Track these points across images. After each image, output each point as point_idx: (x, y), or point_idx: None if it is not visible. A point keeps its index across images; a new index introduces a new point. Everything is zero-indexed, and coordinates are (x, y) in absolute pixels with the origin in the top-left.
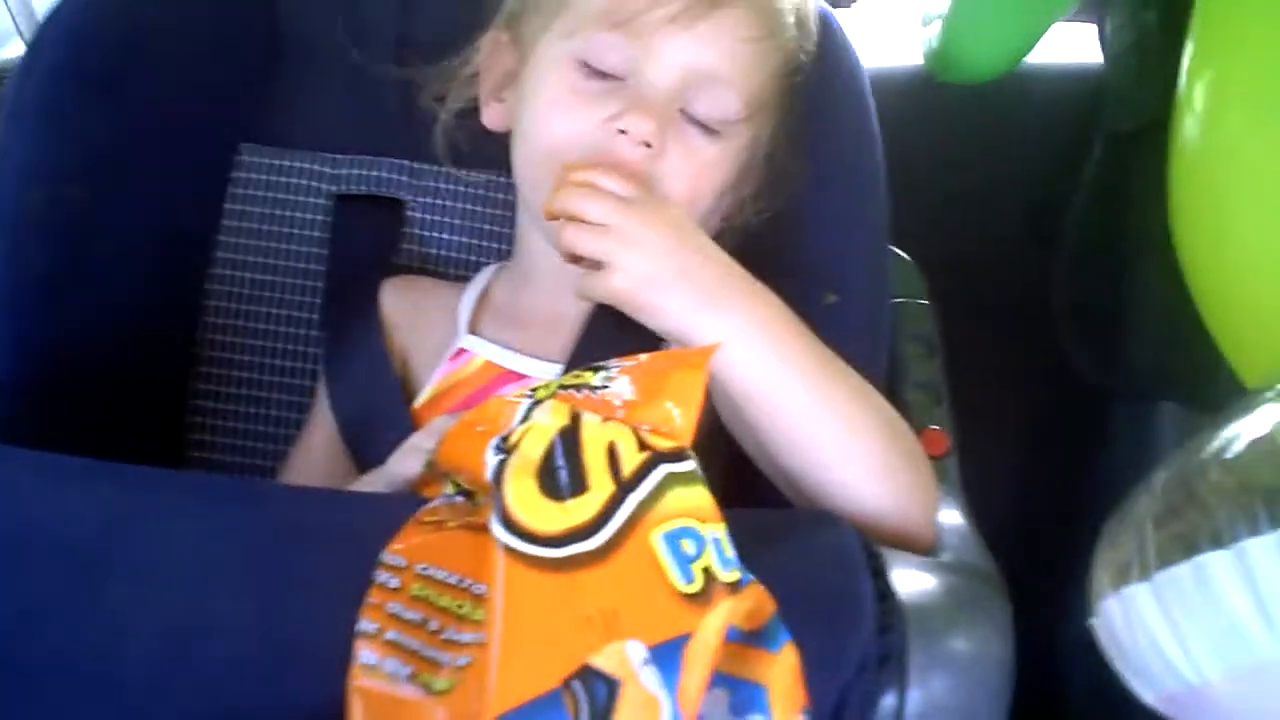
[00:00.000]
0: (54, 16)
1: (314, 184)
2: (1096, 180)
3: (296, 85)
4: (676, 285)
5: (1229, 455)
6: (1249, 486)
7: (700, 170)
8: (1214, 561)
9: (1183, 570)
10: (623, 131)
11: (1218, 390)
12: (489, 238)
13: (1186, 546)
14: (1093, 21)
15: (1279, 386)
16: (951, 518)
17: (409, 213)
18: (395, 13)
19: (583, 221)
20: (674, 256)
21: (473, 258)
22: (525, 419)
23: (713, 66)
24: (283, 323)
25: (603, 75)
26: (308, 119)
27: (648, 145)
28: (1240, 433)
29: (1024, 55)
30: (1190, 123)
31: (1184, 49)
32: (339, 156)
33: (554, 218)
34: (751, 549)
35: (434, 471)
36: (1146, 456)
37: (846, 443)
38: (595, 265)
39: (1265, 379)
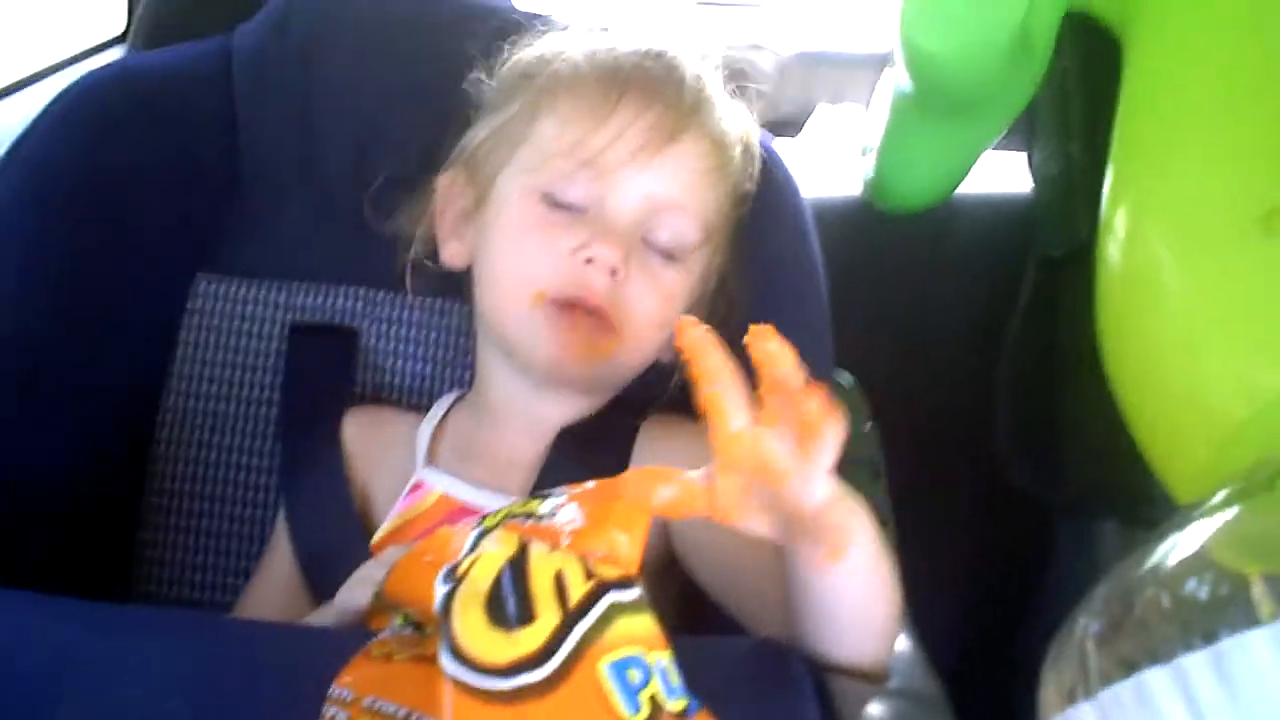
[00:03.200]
0: (16, 147)
1: (270, 313)
2: (1030, 302)
3: (253, 216)
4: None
5: (1164, 572)
6: (1184, 603)
7: (664, 295)
8: (1154, 679)
9: (1124, 688)
10: (589, 261)
11: (1155, 507)
12: (447, 365)
13: (1127, 665)
14: (1022, 150)
15: (1209, 503)
16: (898, 643)
17: (365, 341)
18: (352, 147)
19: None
20: None
21: (431, 385)
22: (473, 548)
23: (672, 196)
24: (238, 452)
25: (565, 207)
26: (264, 248)
27: (614, 272)
28: (1174, 549)
29: (955, 185)
30: (1113, 248)
31: (1106, 176)
32: (295, 285)
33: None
34: (699, 677)
35: (383, 603)
36: (1089, 573)
37: (879, 630)
38: None
39: (1195, 495)
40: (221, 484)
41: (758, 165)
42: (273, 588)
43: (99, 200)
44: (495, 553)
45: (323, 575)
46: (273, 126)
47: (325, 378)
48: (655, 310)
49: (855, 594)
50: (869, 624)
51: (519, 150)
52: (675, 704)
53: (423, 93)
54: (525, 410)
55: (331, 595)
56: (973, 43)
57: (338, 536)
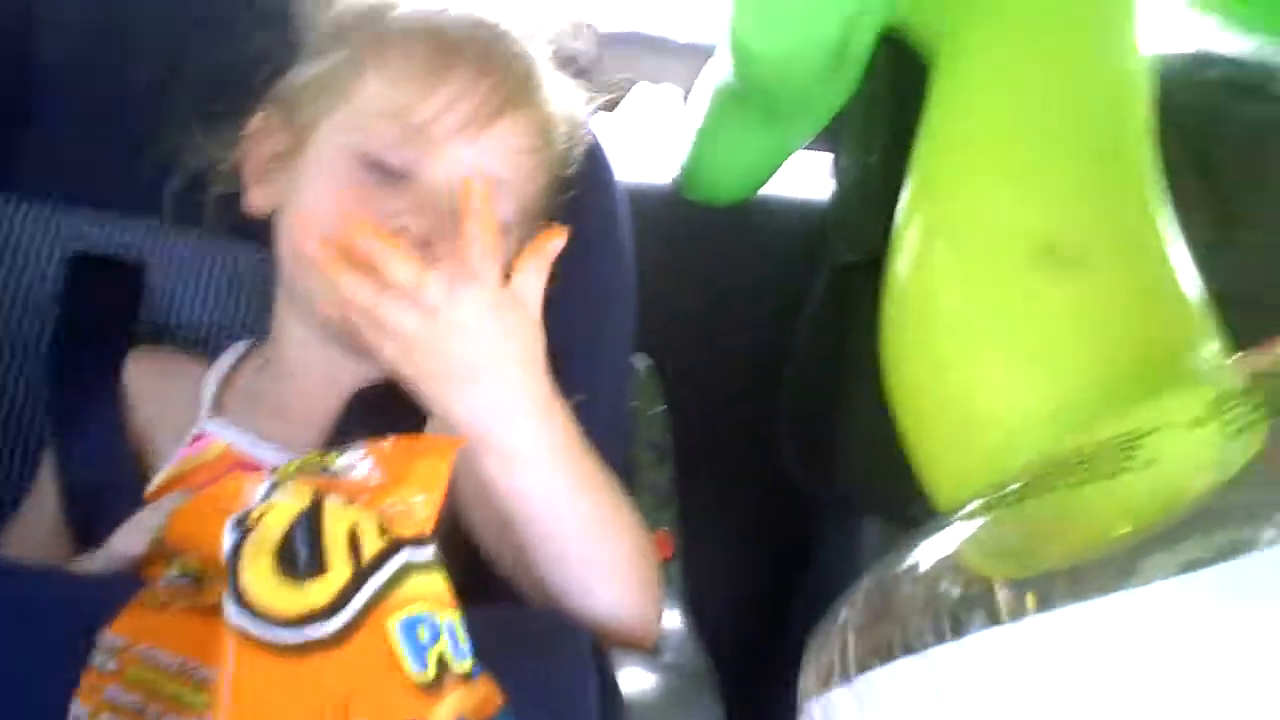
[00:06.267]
0: None
1: (50, 237)
2: (820, 304)
3: (43, 132)
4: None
5: (919, 571)
6: (936, 600)
7: None
8: (907, 667)
9: (880, 675)
10: (400, 230)
11: (917, 509)
12: (238, 311)
13: (883, 653)
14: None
15: (963, 510)
16: (673, 620)
17: (152, 279)
18: (159, 72)
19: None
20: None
21: (219, 332)
22: (265, 498)
23: (494, 173)
24: (4, 384)
25: (384, 171)
26: (48, 169)
27: (426, 245)
28: (929, 550)
29: (762, 183)
30: (902, 262)
31: (902, 191)
32: (79, 211)
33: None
34: (484, 644)
35: (160, 550)
36: (852, 567)
37: (613, 566)
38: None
39: (954, 502)
40: None
41: (581, 145)
42: (34, 530)
43: None
44: (288, 503)
45: (90, 520)
46: (72, 41)
47: (106, 313)
48: None
49: (559, 507)
50: (596, 559)
51: (342, 104)
52: (461, 665)
53: (241, 22)
54: (320, 367)
55: (98, 542)
56: (798, 46)
57: (110, 481)
